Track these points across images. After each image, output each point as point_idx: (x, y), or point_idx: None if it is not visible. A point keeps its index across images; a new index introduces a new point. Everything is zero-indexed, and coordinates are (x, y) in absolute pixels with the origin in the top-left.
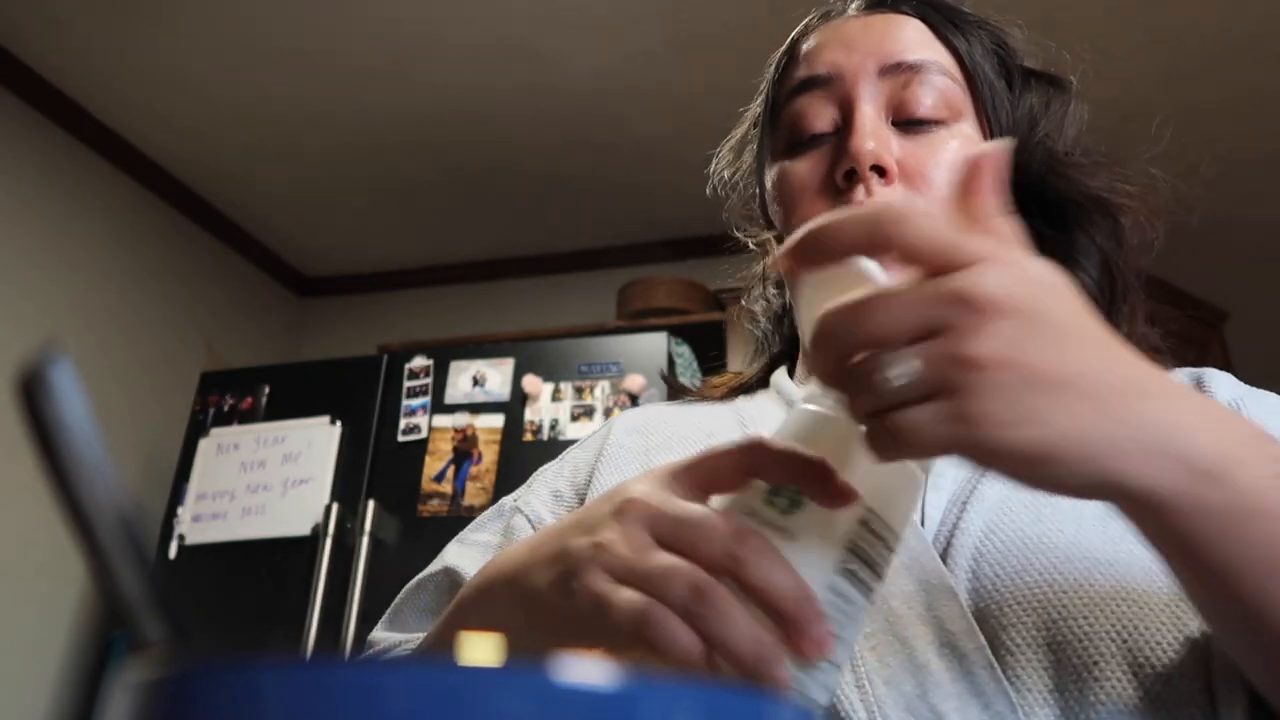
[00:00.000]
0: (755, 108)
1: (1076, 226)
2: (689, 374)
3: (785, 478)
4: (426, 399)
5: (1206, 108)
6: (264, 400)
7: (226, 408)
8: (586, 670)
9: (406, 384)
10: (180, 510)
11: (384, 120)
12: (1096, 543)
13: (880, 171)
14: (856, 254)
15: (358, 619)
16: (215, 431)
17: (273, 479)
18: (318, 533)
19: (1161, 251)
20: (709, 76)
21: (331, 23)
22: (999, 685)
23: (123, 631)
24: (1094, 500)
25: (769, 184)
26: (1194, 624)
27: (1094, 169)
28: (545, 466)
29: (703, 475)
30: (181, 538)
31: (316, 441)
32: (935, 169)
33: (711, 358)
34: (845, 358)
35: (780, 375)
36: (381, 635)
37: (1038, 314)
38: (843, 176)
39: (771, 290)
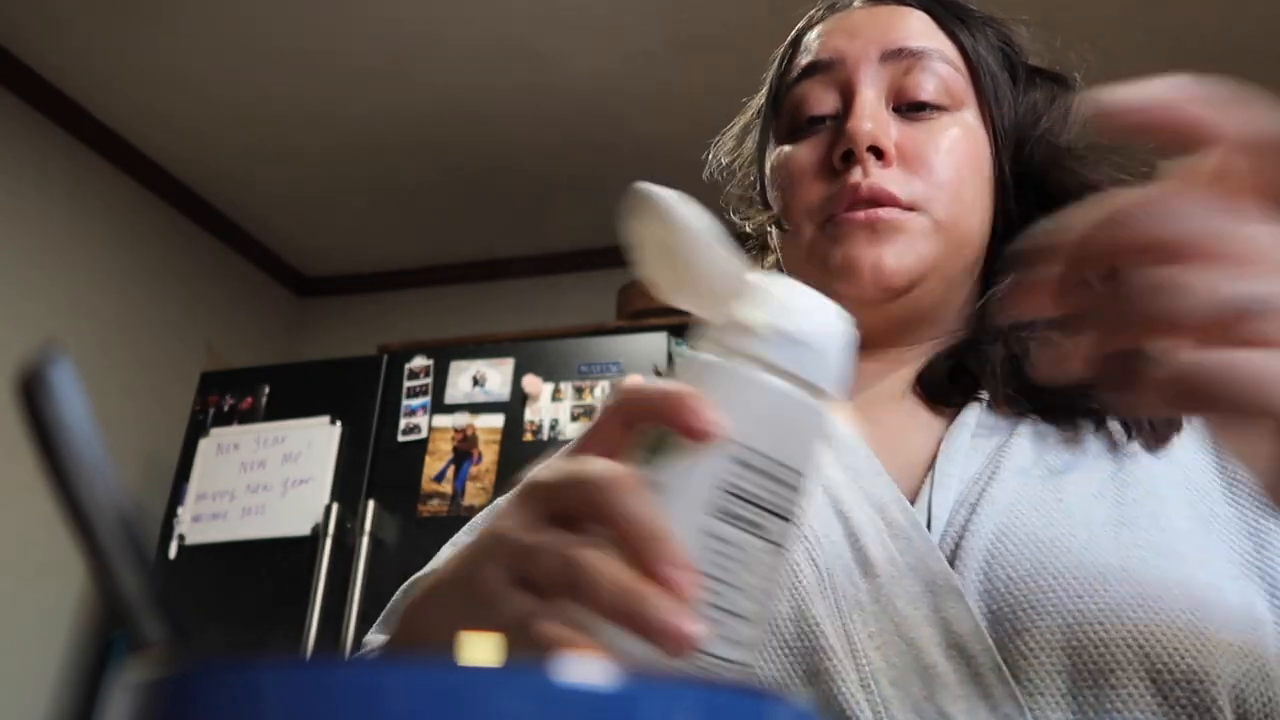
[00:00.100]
0: (758, 97)
1: None
2: None
3: (651, 418)
4: (426, 399)
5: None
6: (264, 400)
7: (226, 408)
8: (586, 670)
9: (406, 384)
10: (180, 510)
11: (384, 120)
12: (1109, 549)
13: (878, 154)
14: None
15: (358, 619)
16: (215, 431)
17: (273, 479)
18: (318, 533)
19: None
20: (709, 76)
21: (331, 23)
22: (1007, 687)
23: (123, 631)
24: None
25: (769, 168)
26: (1212, 633)
27: (1096, 161)
28: (542, 465)
29: (600, 438)
30: (181, 538)
31: (316, 441)
32: (934, 154)
33: None
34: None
35: None
36: (374, 637)
37: None
38: (840, 158)
39: None
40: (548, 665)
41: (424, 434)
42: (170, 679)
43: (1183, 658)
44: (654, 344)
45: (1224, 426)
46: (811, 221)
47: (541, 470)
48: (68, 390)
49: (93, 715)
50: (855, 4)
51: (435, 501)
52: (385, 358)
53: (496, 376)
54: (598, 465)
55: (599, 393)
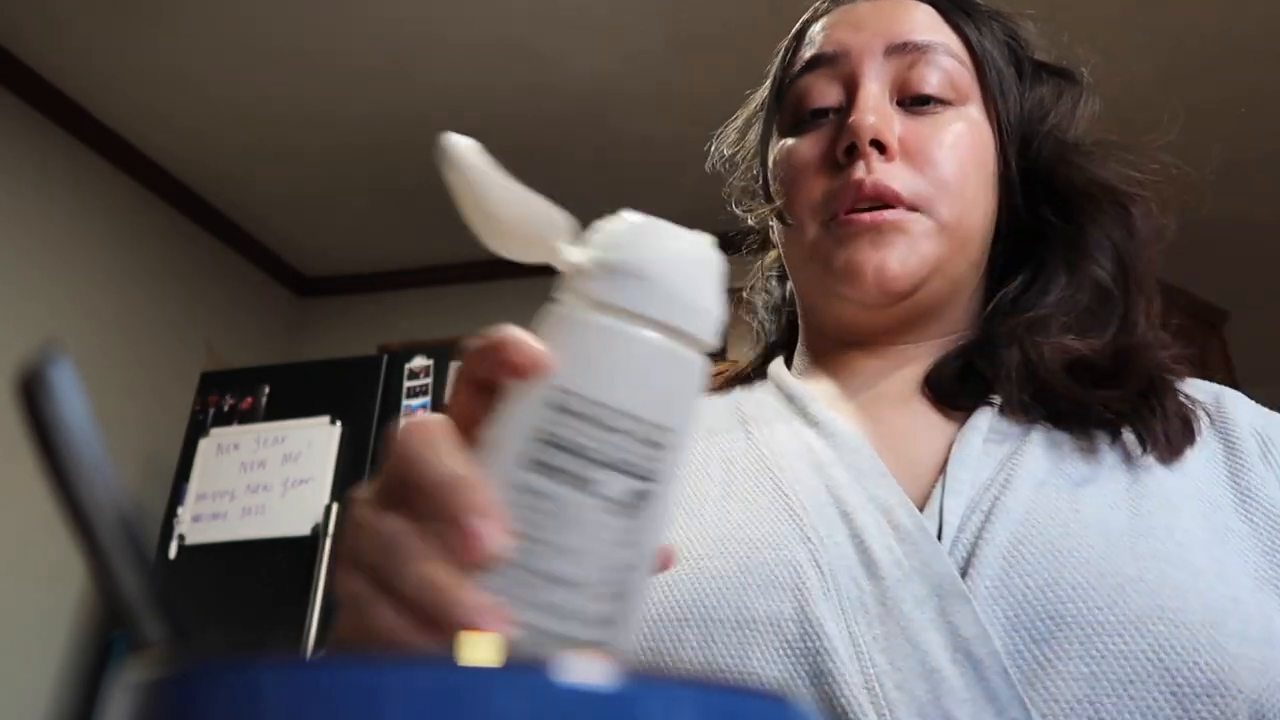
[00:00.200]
0: (761, 90)
1: (1086, 218)
2: None
3: (482, 369)
4: (426, 399)
5: (1206, 108)
6: (264, 400)
7: (226, 408)
8: (586, 670)
9: (406, 384)
10: (180, 510)
11: (384, 120)
12: (1127, 560)
13: (881, 148)
14: None
15: None
16: (215, 431)
17: (273, 479)
18: (318, 533)
19: (1161, 251)
20: (709, 76)
21: (332, 23)
22: (1013, 691)
23: (123, 631)
24: None
25: (771, 161)
26: (1231, 646)
27: (1103, 158)
28: None
29: (455, 404)
30: (181, 538)
31: (316, 441)
32: (938, 149)
33: (711, 357)
34: None
35: (778, 366)
36: None
37: None
38: (843, 152)
39: (773, 281)
40: (548, 665)
41: None
42: (170, 679)
43: (1203, 671)
44: None
45: None
46: (814, 218)
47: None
48: (68, 390)
49: (93, 715)
50: None
51: None
52: (385, 358)
53: None
54: (407, 428)
55: None
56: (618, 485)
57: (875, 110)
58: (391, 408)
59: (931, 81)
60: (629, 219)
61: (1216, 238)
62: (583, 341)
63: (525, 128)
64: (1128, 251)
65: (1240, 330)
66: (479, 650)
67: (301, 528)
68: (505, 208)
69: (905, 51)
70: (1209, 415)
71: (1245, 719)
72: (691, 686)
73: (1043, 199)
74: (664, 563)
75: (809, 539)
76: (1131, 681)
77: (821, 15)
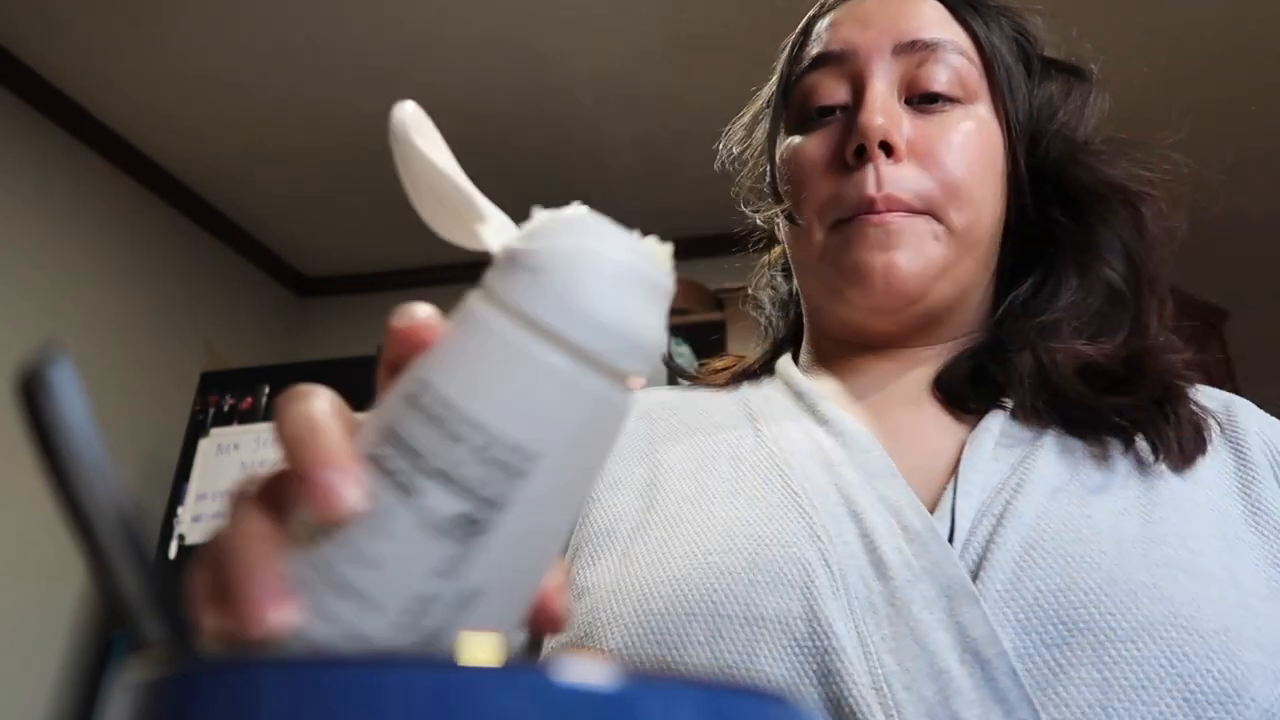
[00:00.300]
0: (768, 86)
1: (1097, 218)
2: (673, 387)
3: (392, 349)
4: None
5: (1206, 108)
6: (264, 400)
7: (226, 408)
8: (586, 670)
9: None
10: (180, 510)
11: (384, 120)
12: (1140, 566)
13: (889, 149)
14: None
15: None
16: (215, 431)
17: None
18: None
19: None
20: (709, 77)
21: (332, 23)
22: (1021, 692)
23: (123, 631)
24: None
25: (779, 159)
26: (1244, 654)
27: (1114, 157)
28: None
29: (379, 391)
30: (181, 538)
31: None
32: (946, 149)
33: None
34: None
35: (786, 362)
36: None
37: None
38: (853, 153)
39: (779, 276)
40: (548, 665)
41: None
42: (170, 679)
43: (1216, 679)
44: None
45: None
46: (821, 219)
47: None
48: (68, 390)
49: (93, 715)
50: None
51: None
52: None
53: None
54: (286, 392)
55: None
56: (445, 503)
57: (884, 110)
58: None
59: (940, 80)
60: (567, 211)
61: (1216, 238)
62: (458, 333)
63: (526, 127)
64: (1139, 252)
65: (1240, 330)
66: (479, 651)
67: None
68: (432, 183)
69: (914, 50)
70: (1219, 424)
71: None
72: (691, 686)
73: (1052, 199)
74: (547, 620)
75: (819, 537)
76: (1144, 687)
77: (828, 11)
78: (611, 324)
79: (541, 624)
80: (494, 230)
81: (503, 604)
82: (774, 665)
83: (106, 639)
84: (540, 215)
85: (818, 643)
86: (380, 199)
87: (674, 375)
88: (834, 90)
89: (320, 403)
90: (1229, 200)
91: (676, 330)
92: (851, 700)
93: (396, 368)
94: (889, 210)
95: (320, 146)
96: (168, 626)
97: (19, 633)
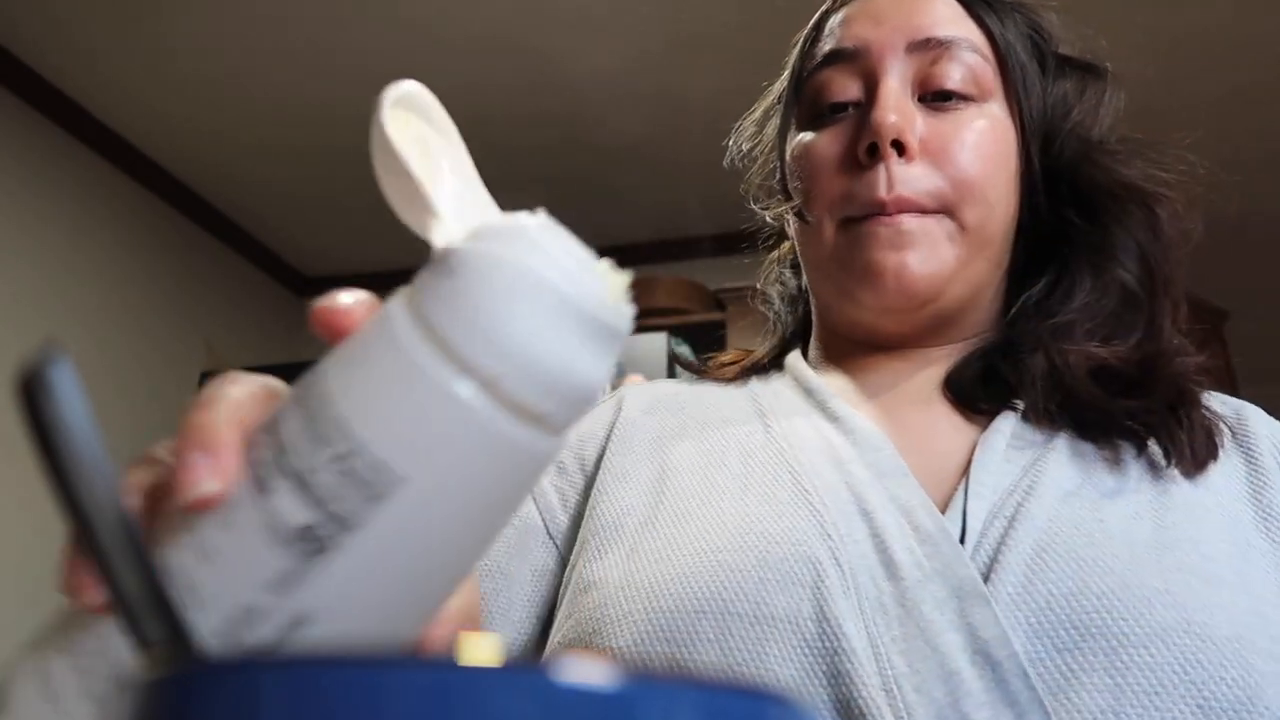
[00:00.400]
0: (780, 81)
1: (1111, 219)
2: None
3: (315, 331)
4: None
5: (1206, 107)
6: None
7: None
8: (587, 670)
9: None
10: None
11: None
12: (1153, 571)
13: (901, 148)
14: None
15: None
16: None
17: None
18: None
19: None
20: (709, 77)
21: (332, 22)
22: (1033, 694)
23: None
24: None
25: (789, 156)
26: (1257, 662)
27: (1129, 157)
28: None
29: None
30: None
31: None
32: (960, 148)
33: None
34: None
35: (795, 358)
36: None
37: None
38: (865, 152)
39: (788, 272)
40: (548, 665)
41: None
42: (170, 679)
43: (1230, 687)
44: (654, 344)
45: None
46: (832, 217)
47: None
48: (68, 390)
49: None
50: None
51: None
52: None
53: None
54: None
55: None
56: (292, 509)
57: (896, 109)
58: None
59: (954, 77)
60: (516, 218)
61: (1216, 237)
62: (367, 329)
63: (526, 126)
64: (1154, 254)
65: (1240, 330)
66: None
67: None
68: (390, 168)
69: (928, 48)
70: (1231, 429)
71: None
72: (691, 687)
73: (1066, 198)
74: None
75: (829, 536)
76: (1157, 693)
77: (841, 6)
78: (528, 357)
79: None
80: (441, 227)
81: (337, 638)
82: (783, 665)
83: None
84: (491, 218)
85: (827, 643)
86: (380, 199)
87: (682, 369)
88: (846, 87)
89: (238, 386)
90: (1229, 201)
91: (676, 330)
92: (861, 701)
93: None
94: (900, 211)
95: (321, 146)
96: (168, 626)
97: (19, 633)
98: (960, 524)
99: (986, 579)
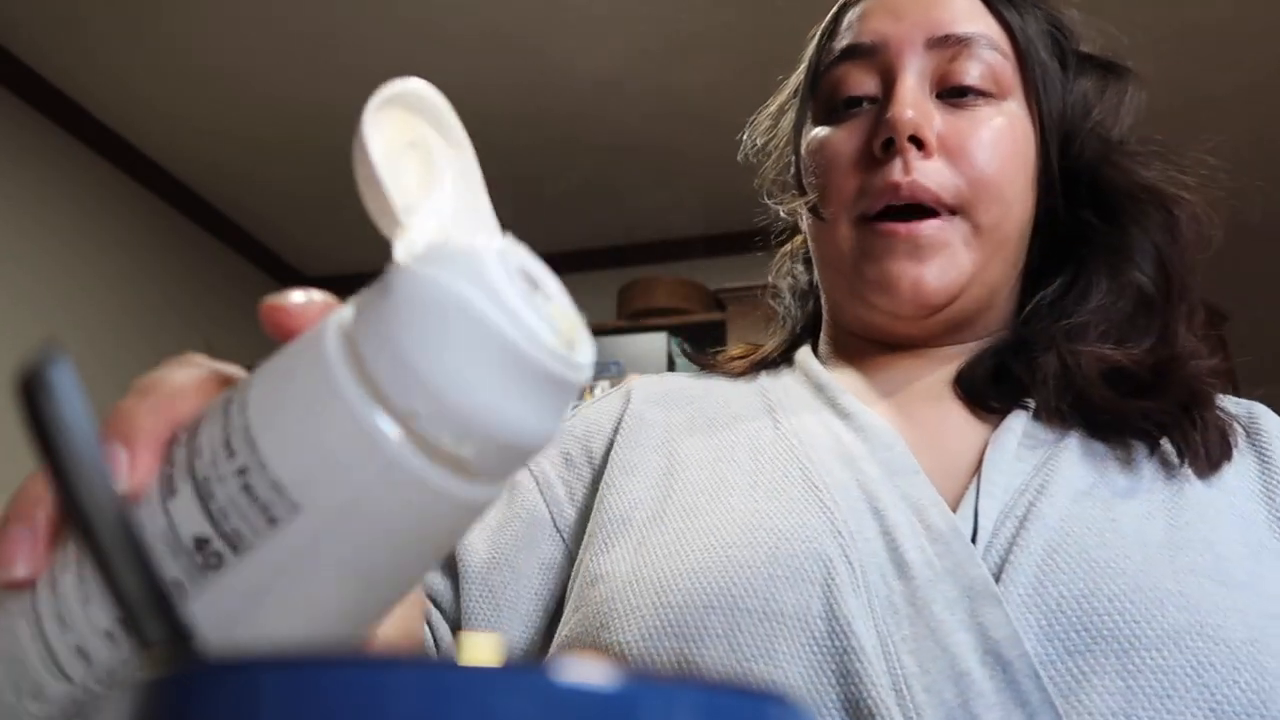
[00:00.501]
0: (795, 76)
1: (1130, 220)
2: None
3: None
4: None
5: (1207, 107)
6: None
7: None
8: (587, 671)
9: None
10: None
11: None
12: (1165, 573)
13: (919, 144)
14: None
15: None
16: None
17: None
18: None
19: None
20: (709, 76)
21: (332, 20)
22: (1043, 695)
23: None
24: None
25: (805, 151)
26: (1271, 665)
27: (1149, 158)
28: None
29: None
30: None
31: None
32: (977, 146)
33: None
34: None
35: (805, 354)
36: None
37: None
38: (880, 147)
39: (799, 266)
40: (548, 665)
41: None
42: (170, 679)
43: (1243, 690)
44: (654, 343)
45: None
46: (847, 215)
47: None
48: (68, 390)
49: None
50: None
51: None
52: None
53: None
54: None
55: (599, 392)
56: (188, 517)
57: (914, 105)
58: None
59: (972, 74)
60: (474, 242)
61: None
62: (303, 339)
63: (525, 127)
64: (1172, 258)
65: (1240, 330)
66: (479, 651)
67: None
68: (371, 179)
69: (947, 44)
70: (1244, 430)
71: None
72: (692, 687)
73: (1085, 199)
74: None
75: (840, 533)
76: (1168, 697)
77: (859, 0)
78: (449, 396)
79: None
80: (404, 239)
81: None
82: (792, 662)
83: None
84: (450, 239)
85: (837, 641)
86: None
87: (691, 363)
88: (863, 82)
89: (184, 372)
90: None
91: (676, 330)
92: (870, 701)
93: None
94: (913, 197)
95: (321, 146)
96: (168, 626)
97: None
98: (972, 523)
99: (998, 579)
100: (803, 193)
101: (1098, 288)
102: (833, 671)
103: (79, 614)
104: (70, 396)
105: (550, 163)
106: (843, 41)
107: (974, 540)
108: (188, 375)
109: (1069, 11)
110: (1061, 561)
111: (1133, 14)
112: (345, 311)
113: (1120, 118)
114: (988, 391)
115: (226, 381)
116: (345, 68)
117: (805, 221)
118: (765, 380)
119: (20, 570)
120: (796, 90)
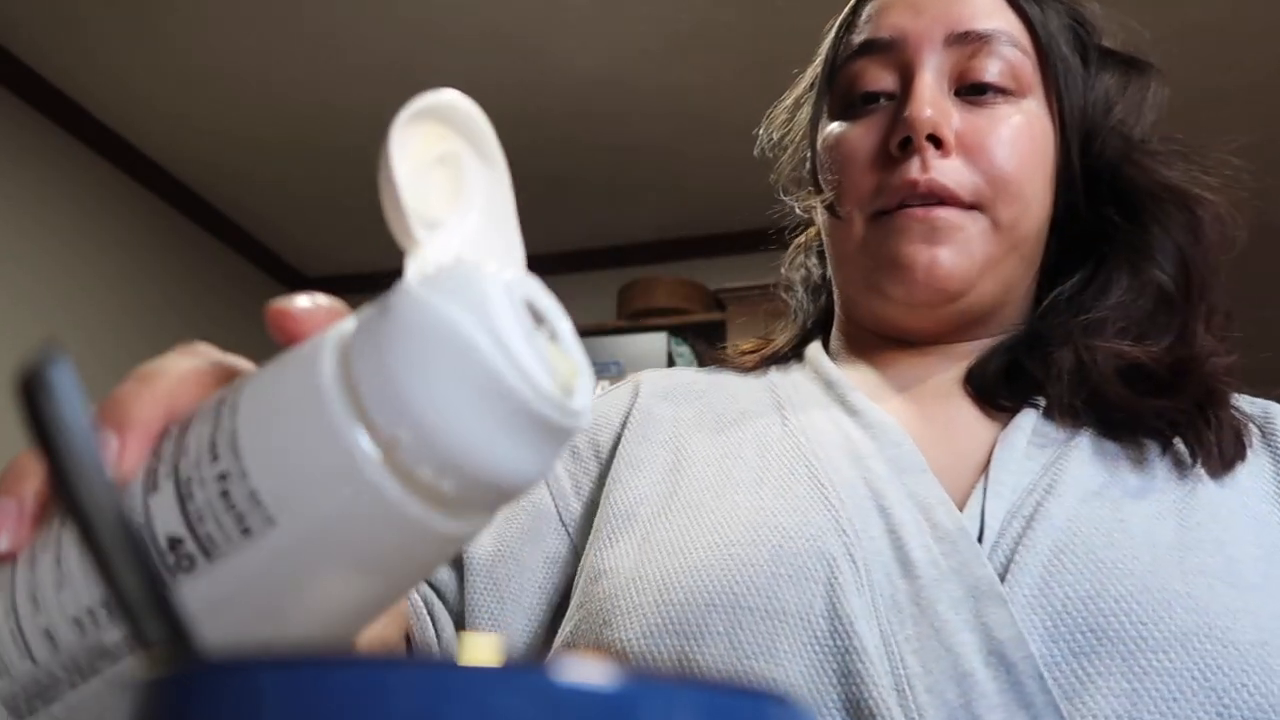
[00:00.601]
0: (811, 69)
1: (1151, 219)
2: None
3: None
4: None
5: (1207, 106)
6: None
7: None
8: (587, 670)
9: None
10: None
11: (384, 119)
12: (1174, 574)
13: (937, 143)
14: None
15: None
16: None
17: None
18: None
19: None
20: (709, 76)
21: (332, 20)
22: (1048, 697)
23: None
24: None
25: (821, 147)
26: None
27: (1171, 158)
28: None
29: None
30: None
31: None
32: (996, 144)
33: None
34: None
35: (816, 349)
36: None
37: None
38: (898, 145)
39: (813, 260)
40: (549, 665)
41: None
42: (170, 679)
43: (1251, 694)
44: (654, 343)
45: None
46: (863, 212)
47: None
48: (68, 390)
49: None
50: None
51: None
52: None
53: None
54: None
55: (599, 392)
56: (167, 517)
57: (933, 103)
58: None
59: (992, 71)
60: (482, 268)
61: None
62: (299, 349)
63: (525, 127)
64: (1193, 257)
65: (1240, 330)
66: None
67: None
68: (391, 193)
69: (967, 41)
70: (1260, 429)
71: None
72: (692, 687)
73: (1106, 197)
74: None
75: (844, 532)
76: (1175, 700)
77: None
78: (431, 427)
79: None
80: (417, 256)
81: None
82: (793, 661)
83: None
84: (461, 265)
85: (839, 641)
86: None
87: (701, 359)
88: (880, 77)
89: (186, 362)
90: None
91: (676, 330)
92: (872, 702)
93: None
94: (931, 194)
95: (321, 145)
96: (168, 626)
97: None
98: (978, 522)
99: (1003, 579)
100: (818, 189)
101: (1118, 284)
102: (834, 671)
103: (51, 597)
104: (70, 397)
105: (550, 163)
106: (861, 36)
107: (981, 540)
108: (190, 366)
109: (1090, 4)
110: (1068, 562)
111: (1133, 14)
112: (347, 324)
113: (1142, 115)
114: (998, 389)
115: (229, 374)
116: (345, 68)
117: (820, 217)
118: (775, 376)
119: (3, 542)
120: (813, 84)
